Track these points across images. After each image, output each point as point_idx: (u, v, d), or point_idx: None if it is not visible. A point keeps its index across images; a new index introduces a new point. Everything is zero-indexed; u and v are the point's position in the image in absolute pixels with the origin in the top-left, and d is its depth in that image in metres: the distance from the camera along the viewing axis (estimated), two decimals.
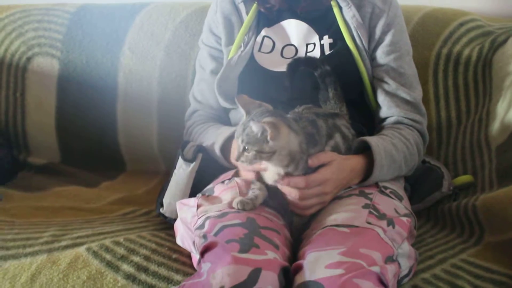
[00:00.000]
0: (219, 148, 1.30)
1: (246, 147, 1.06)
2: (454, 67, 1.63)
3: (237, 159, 1.08)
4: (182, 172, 1.32)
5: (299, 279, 0.99)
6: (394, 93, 1.33)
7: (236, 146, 1.12)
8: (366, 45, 1.34)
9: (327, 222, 1.09)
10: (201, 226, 1.10)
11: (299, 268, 1.01)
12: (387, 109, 1.34)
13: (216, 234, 1.04)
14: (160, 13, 1.83)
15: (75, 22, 1.88)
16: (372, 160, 1.19)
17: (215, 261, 0.98)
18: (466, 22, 1.67)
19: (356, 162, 1.21)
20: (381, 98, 1.35)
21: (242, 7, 1.40)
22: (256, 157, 1.06)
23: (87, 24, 1.87)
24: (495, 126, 1.44)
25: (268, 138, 1.04)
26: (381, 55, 1.36)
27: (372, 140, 1.22)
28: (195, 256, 1.13)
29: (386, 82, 1.34)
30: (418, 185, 1.42)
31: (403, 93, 1.33)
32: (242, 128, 1.07)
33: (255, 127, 1.04)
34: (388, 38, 1.36)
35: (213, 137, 1.34)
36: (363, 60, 1.34)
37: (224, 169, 1.34)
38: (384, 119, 1.36)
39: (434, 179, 1.42)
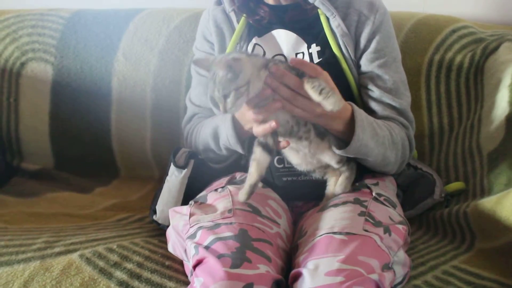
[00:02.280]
0: (231, 120, 1.26)
1: (225, 94, 1.07)
2: (446, 74, 1.63)
3: (225, 111, 1.08)
4: (175, 178, 1.32)
5: (298, 287, 1.00)
6: (380, 100, 1.33)
7: (240, 116, 1.19)
8: (352, 54, 1.33)
9: (324, 229, 1.09)
10: (193, 236, 1.11)
11: (298, 276, 1.02)
12: (375, 114, 1.33)
13: (208, 247, 1.05)
14: (154, 19, 1.84)
15: (69, 28, 1.88)
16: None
17: (207, 277, 0.99)
18: (458, 29, 1.68)
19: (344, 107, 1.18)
20: (368, 105, 1.35)
21: (232, 15, 1.40)
22: (238, 96, 1.07)
23: (81, 30, 1.87)
24: (487, 132, 1.45)
25: (237, 71, 1.06)
26: (365, 62, 1.35)
27: (355, 105, 1.22)
28: (187, 264, 1.13)
29: (370, 89, 1.34)
30: (410, 191, 1.42)
31: (387, 100, 1.33)
32: (212, 82, 1.08)
33: (220, 71, 1.06)
34: (372, 45, 1.35)
35: (217, 120, 1.32)
36: (350, 68, 1.34)
37: (217, 176, 1.35)
38: None
39: (426, 186, 1.43)
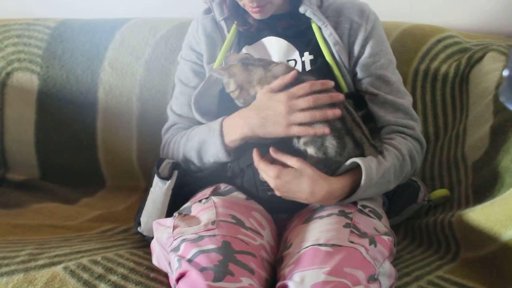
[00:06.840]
0: (220, 124, 1.28)
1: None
2: (431, 83, 1.64)
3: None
4: (159, 190, 1.31)
5: None
6: (383, 102, 1.33)
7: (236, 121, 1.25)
8: (345, 62, 1.34)
9: (309, 241, 1.09)
10: (176, 248, 1.10)
11: None
12: (379, 119, 1.34)
13: (190, 260, 1.04)
14: (141, 29, 1.84)
15: (55, 37, 1.88)
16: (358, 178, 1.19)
17: None
18: (444, 39, 1.69)
19: (341, 184, 1.19)
20: (372, 110, 1.34)
21: (223, 24, 1.40)
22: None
23: (68, 40, 1.87)
24: (471, 142, 1.45)
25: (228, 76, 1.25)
26: (362, 68, 1.36)
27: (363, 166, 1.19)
28: (172, 276, 1.12)
29: (372, 94, 1.34)
30: (396, 198, 1.42)
31: (391, 101, 1.33)
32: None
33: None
34: (367, 51, 1.36)
35: (205, 129, 1.32)
36: (343, 76, 1.34)
37: (201, 186, 1.34)
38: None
39: (411, 193, 1.42)
